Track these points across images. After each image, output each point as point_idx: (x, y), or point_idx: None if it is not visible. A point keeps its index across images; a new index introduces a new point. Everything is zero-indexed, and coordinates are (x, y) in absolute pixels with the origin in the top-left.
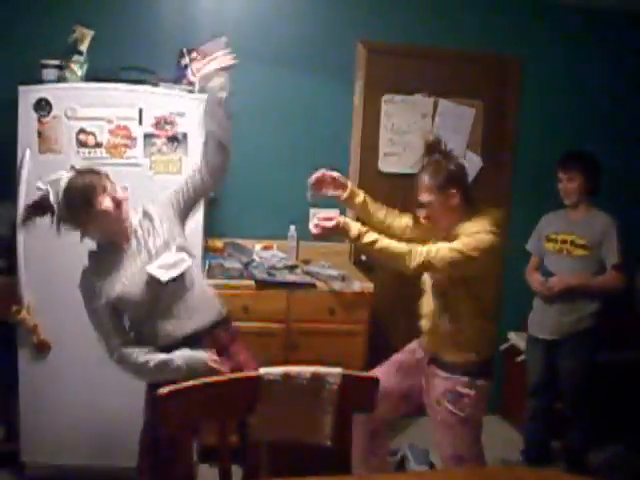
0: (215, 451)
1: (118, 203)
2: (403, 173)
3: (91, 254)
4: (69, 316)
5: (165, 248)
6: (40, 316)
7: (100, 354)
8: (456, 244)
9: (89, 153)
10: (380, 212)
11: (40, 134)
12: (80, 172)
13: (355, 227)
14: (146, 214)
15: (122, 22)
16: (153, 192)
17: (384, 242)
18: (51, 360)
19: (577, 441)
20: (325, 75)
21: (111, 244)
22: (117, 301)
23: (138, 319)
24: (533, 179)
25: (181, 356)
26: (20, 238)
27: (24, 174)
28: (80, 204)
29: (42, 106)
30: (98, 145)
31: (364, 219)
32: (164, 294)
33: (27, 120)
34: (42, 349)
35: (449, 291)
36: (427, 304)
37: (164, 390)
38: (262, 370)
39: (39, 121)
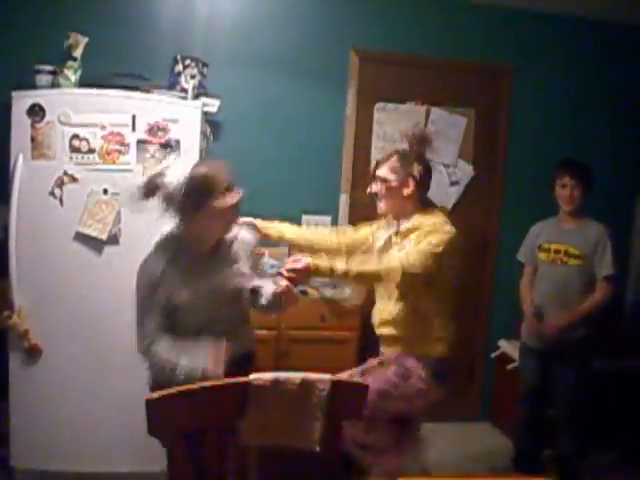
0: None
1: (234, 207)
2: None
3: (168, 241)
4: (60, 321)
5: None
6: (31, 321)
7: (91, 359)
8: (421, 245)
9: (82, 159)
10: (298, 233)
11: (33, 139)
12: (210, 164)
13: (323, 263)
14: (242, 240)
15: (116, 29)
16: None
17: (356, 269)
18: (42, 365)
19: (569, 449)
20: (318, 83)
21: (199, 245)
22: (173, 305)
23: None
24: (524, 188)
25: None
26: (12, 243)
27: (17, 179)
28: (199, 193)
29: (35, 111)
30: (91, 151)
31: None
32: (222, 315)
33: (20, 125)
34: (33, 354)
35: (415, 291)
36: (387, 311)
37: (153, 396)
38: (252, 376)
39: (32, 126)
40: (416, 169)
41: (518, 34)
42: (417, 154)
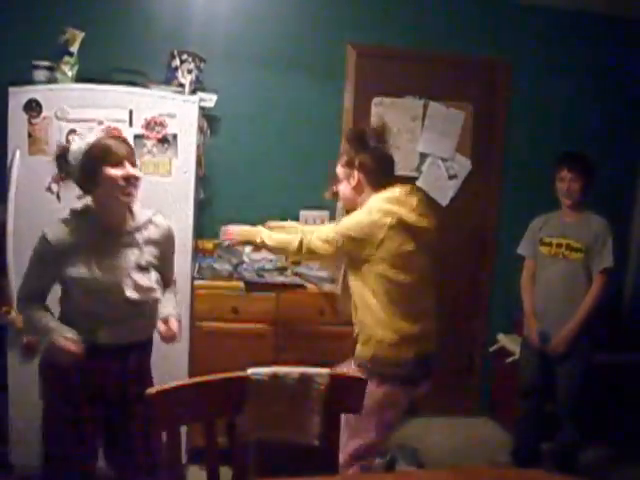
0: (204, 452)
1: (127, 179)
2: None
3: (75, 213)
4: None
5: (145, 269)
6: None
7: None
8: (335, 225)
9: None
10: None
11: (30, 135)
12: (110, 136)
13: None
14: (155, 224)
15: (113, 24)
16: (143, 193)
17: (270, 239)
18: None
19: (567, 442)
20: (315, 77)
21: (99, 220)
22: (68, 278)
23: (72, 299)
24: (522, 182)
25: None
26: (9, 239)
27: (13, 175)
28: (93, 162)
29: (32, 107)
30: None
31: None
32: (116, 303)
33: (17, 121)
34: (31, 350)
35: (353, 282)
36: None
37: (152, 390)
38: (250, 370)
39: (29, 122)
40: (359, 158)
41: (516, 28)
42: (358, 145)
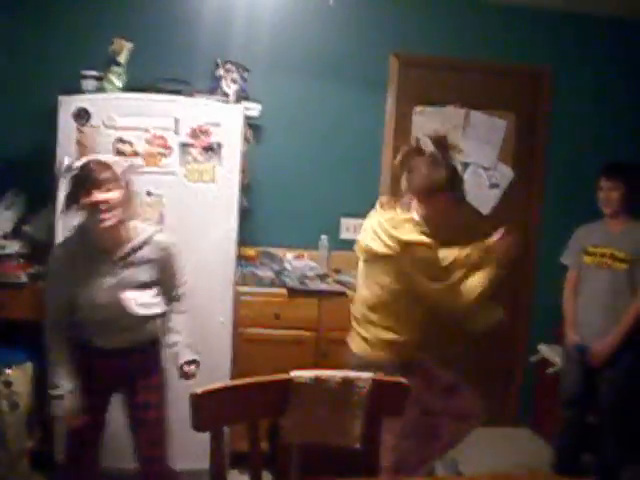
0: (245, 457)
1: (95, 205)
2: None
3: (72, 234)
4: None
5: (142, 287)
6: None
7: None
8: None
9: (126, 162)
10: None
11: (79, 143)
12: (93, 162)
13: None
14: (153, 244)
15: (159, 34)
16: (188, 200)
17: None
18: None
19: (611, 455)
20: (357, 87)
21: (91, 242)
22: (74, 298)
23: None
24: (565, 191)
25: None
26: (58, 242)
27: (63, 182)
28: (73, 190)
29: (81, 115)
30: (135, 154)
31: None
32: (114, 317)
33: (67, 129)
34: None
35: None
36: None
37: (197, 390)
38: (293, 373)
39: (78, 130)
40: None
41: (558, 36)
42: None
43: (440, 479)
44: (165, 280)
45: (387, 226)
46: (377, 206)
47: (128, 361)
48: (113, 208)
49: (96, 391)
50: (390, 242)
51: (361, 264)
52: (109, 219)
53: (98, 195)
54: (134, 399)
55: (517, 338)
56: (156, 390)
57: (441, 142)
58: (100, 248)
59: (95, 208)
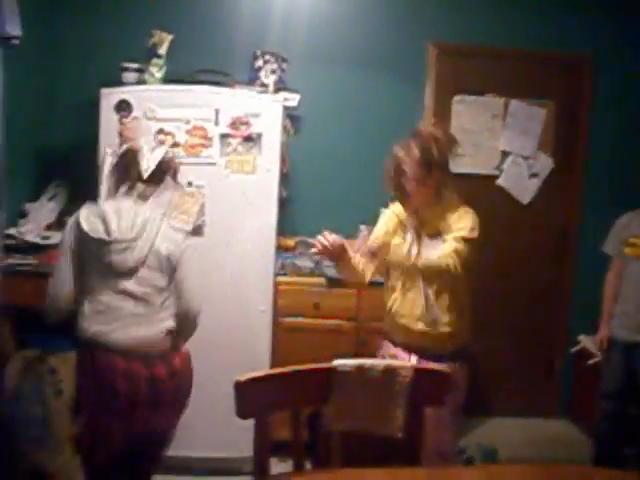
0: (283, 445)
1: None
2: (473, 174)
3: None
4: None
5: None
6: None
7: None
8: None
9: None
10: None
11: (121, 134)
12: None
13: None
14: (164, 220)
15: (198, 26)
16: (228, 191)
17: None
18: None
19: None
20: (396, 76)
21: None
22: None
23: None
24: (606, 180)
25: None
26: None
27: (105, 173)
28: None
29: (123, 107)
30: (176, 145)
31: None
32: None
33: (108, 121)
34: None
35: (455, 283)
36: (416, 304)
37: (241, 378)
38: (336, 361)
39: (120, 122)
40: (439, 158)
41: (598, 22)
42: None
43: (481, 467)
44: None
45: None
46: None
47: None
48: None
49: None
50: None
51: None
52: None
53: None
54: None
55: (557, 329)
56: None
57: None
58: None
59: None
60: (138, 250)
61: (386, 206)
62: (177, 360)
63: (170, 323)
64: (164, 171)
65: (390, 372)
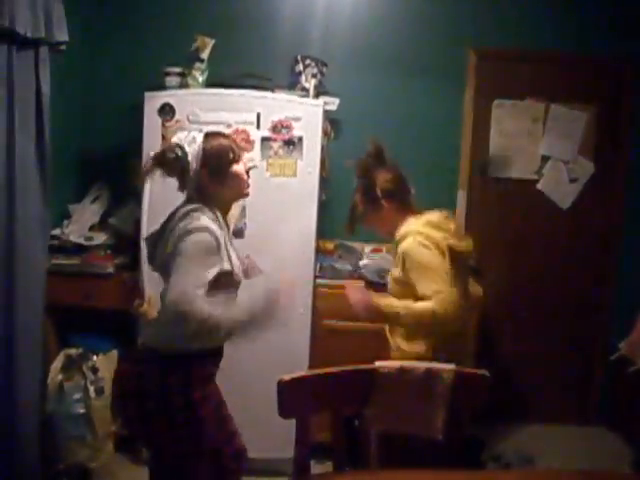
0: (320, 447)
1: (247, 171)
2: (513, 178)
3: (205, 210)
4: None
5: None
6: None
7: None
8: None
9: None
10: None
11: (164, 137)
12: (215, 134)
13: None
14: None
15: (240, 31)
16: (269, 194)
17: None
18: None
19: None
20: (435, 80)
21: (222, 213)
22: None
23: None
24: None
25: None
26: (143, 237)
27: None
28: (218, 162)
29: (166, 111)
30: None
31: None
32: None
33: (152, 124)
34: None
35: None
36: None
37: (284, 377)
38: (378, 363)
39: (163, 125)
40: (380, 183)
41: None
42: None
43: (518, 473)
44: None
45: None
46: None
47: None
48: None
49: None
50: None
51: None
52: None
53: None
54: None
55: (597, 336)
56: None
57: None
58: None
59: (241, 175)
60: None
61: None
62: None
63: None
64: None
65: (431, 374)
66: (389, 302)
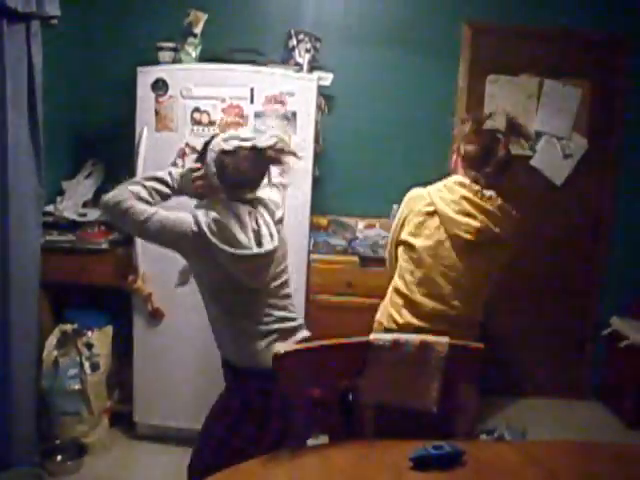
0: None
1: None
2: None
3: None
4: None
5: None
6: (154, 285)
7: (209, 324)
8: None
9: (203, 131)
10: None
11: (157, 112)
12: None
13: None
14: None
15: (233, 6)
16: None
17: None
18: (164, 327)
19: None
20: (429, 56)
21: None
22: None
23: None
24: None
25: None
26: None
27: (142, 151)
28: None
29: (159, 86)
30: (211, 123)
31: None
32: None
33: (145, 99)
34: (156, 317)
35: None
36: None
37: (280, 350)
38: (372, 335)
39: (156, 100)
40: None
41: (633, 1)
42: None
43: (514, 445)
44: None
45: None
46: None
47: None
48: None
49: None
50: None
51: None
52: None
53: None
54: None
55: (589, 311)
56: None
57: (514, 127)
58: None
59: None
60: None
61: (418, 185)
62: None
63: None
64: None
65: (426, 347)
66: None
